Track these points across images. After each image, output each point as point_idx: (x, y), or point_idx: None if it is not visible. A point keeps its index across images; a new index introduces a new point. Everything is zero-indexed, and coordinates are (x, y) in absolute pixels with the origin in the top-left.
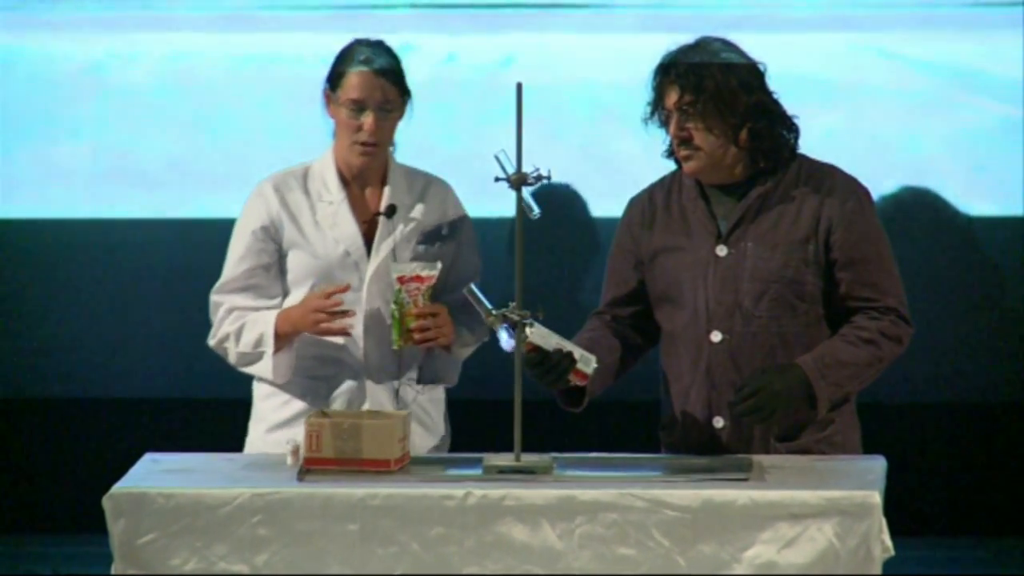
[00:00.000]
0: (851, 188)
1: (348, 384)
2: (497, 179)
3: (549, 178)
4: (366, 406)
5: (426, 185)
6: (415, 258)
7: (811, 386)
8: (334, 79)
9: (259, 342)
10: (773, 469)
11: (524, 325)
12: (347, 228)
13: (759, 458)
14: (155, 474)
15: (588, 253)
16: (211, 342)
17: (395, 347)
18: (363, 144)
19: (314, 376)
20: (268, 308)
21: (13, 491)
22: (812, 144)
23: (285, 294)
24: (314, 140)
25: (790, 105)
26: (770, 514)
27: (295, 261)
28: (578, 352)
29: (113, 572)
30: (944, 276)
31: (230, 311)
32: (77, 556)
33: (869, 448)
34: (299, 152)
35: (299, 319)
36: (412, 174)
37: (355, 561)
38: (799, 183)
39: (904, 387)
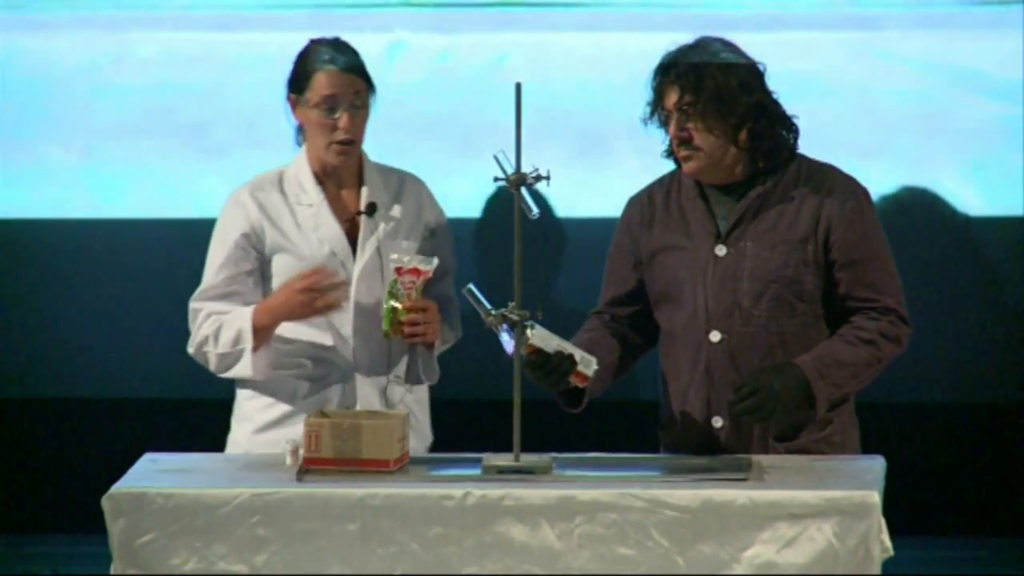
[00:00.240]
0: (850, 188)
1: (337, 383)
2: (496, 179)
3: (548, 178)
4: (358, 406)
5: (401, 182)
6: (399, 254)
7: (810, 386)
8: (300, 82)
9: (238, 339)
10: (772, 469)
11: (525, 326)
12: (330, 229)
13: (758, 458)
14: (154, 474)
15: (555, 253)
16: (191, 349)
17: (384, 336)
18: (340, 143)
19: (302, 376)
20: None
21: (13, 491)
22: (811, 144)
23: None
24: None
25: (788, 104)
26: (769, 514)
27: (281, 265)
28: (579, 354)
29: (112, 572)
30: (944, 276)
31: (208, 316)
32: (77, 556)
33: (869, 448)
34: (298, 151)
35: (282, 306)
36: (386, 172)
37: (355, 561)
38: (798, 183)
39: (904, 387)
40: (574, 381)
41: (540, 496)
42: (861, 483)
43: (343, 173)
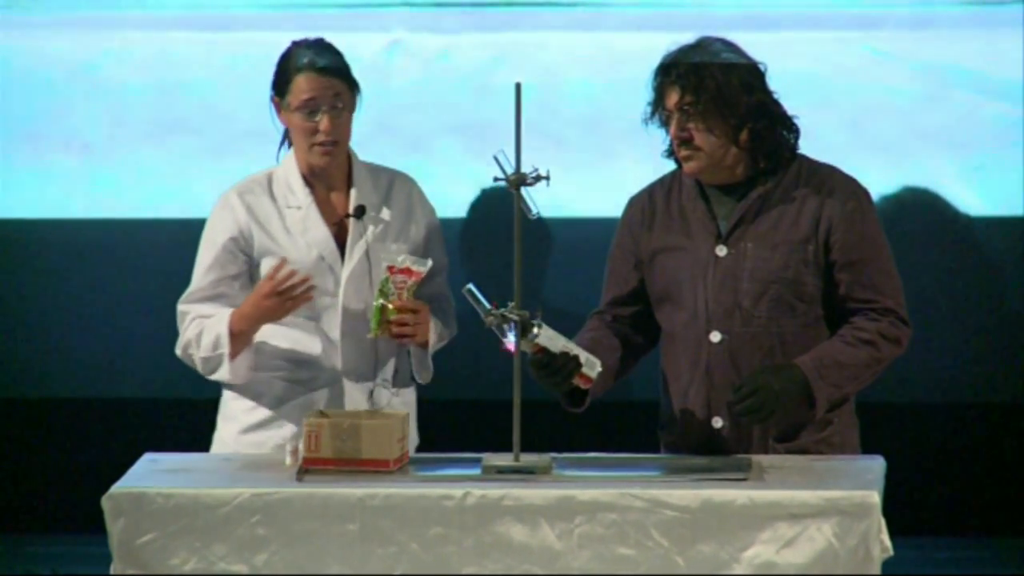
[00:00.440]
0: (851, 189)
1: (324, 387)
2: (496, 179)
3: (548, 179)
4: (345, 409)
5: (391, 182)
6: (392, 253)
7: (810, 386)
8: (281, 85)
9: (216, 343)
10: (772, 469)
11: (533, 324)
12: (318, 232)
13: (758, 458)
14: (154, 474)
15: (544, 253)
16: (178, 351)
17: (371, 335)
18: (322, 145)
19: (289, 379)
20: None
21: (12, 491)
22: (810, 144)
23: None
24: None
25: (787, 104)
26: (769, 514)
27: (269, 268)
28: (583, 356)
29: (112, 572)
30: (943, 276)
31: (194, 319)
32: (77, 556)
33: (869, 448)
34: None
35: (254, 311)
36: (375, 171)
37: (354, 561)
38: (799, 184)
39: (904, 387)
40: (577, 382)
41: (540, 496)
42: (861, 483)
43: (332, 175)
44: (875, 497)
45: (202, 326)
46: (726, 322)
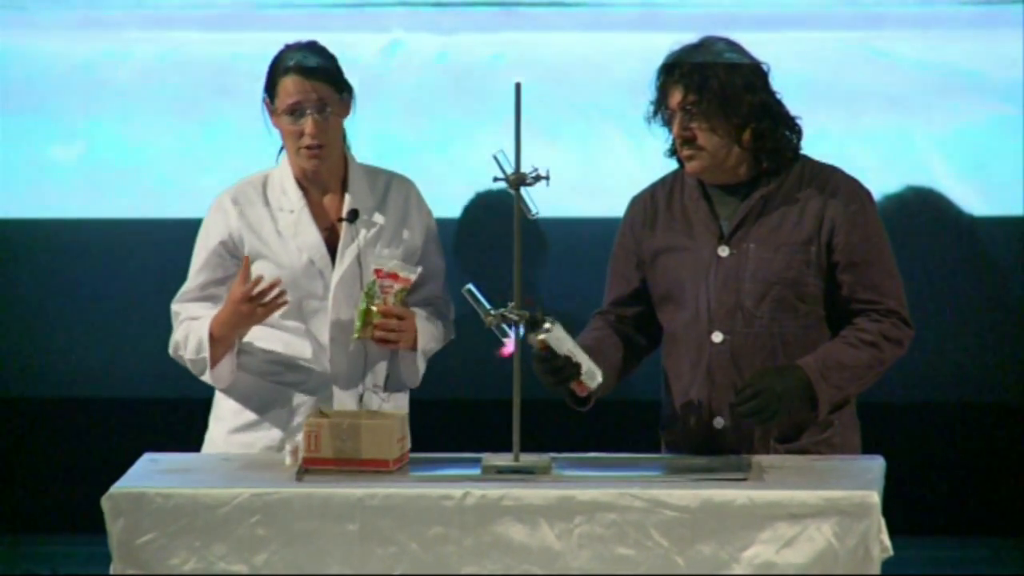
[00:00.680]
0: (854, 190)
1: (314, 391)
2: (496, 179)
3: (548, 179)
4: None
5: (388, 184)
6: (382, 257)
7: (812, 388)
8: (270, 88)
9: (199, 347)
10: (772, 469)
11: (545, 321)
12: (309, 236)
13: (758, 458)
14: (154, 474)
15: (537, 253)
16: (170, 351)
17: (355, 336)
18: (308, 148)
19: (279, 382)
20: None
21: (13, 491)
22: (809, 144)
23: None
24: None
25: (788, 105)
26: (769, 514)
27: (260, 271)
28: (586, 365)
29: (112, 572)
30: (943, 276)
31: (184, 320)
32: (76, 556)
33: (869, 448)
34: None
35: (230, 318)
36: (373, 174)
37: (354, 561)
38: (802, 184)
39: (904, 387)
40: (574, 388)
41: (539, 496)
42: (860, 483)
43: (326, 178)
44: (875, 497)
45: (188, 329)
46: (728, 322)
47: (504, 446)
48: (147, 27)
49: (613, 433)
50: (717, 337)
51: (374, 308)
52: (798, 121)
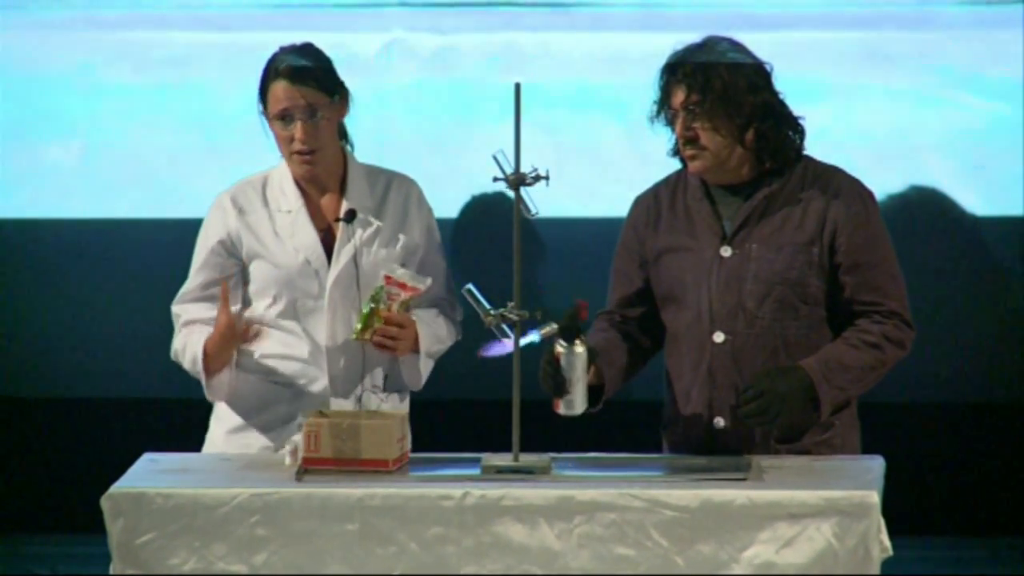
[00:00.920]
0: (857, 191)
1: (312, 390)
2: (496, 179)
3: (547, 179)
4: None
5: (388, 184)
6: (376, 261)
7: (814, 389)
8: (262, 93)
9: (195, 361)
10: (771, 469)
11: (577, 335)
12: (306, 237)
13: (758, 458)
14: (154, 474)
15: (533, 253)
16: (172, 356)
17: (353, 335)
18: (299, 153)
19: (277, 381)
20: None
21: (12, 491)
22: (808, 144)
23: (246, 303)
24: None
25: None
26: (768, 514)
27: (257, 271)
28: (574, 396)
29: (112, 572)
30: (943, 276)
31: (186, 323)
32: (76, 556)
33: (869, 448)
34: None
35: (218, 340)
36: (373, 174)
37: (354, 561)
38: (805, 185)
39: (904, 387)
40: (554, 403)
41: (539, 496)
42: (860, 483)
43: (324, 178)
44: (874, 497)
45: (187, 340)
46: (730, 323)
47: (504, 446)
48: (146, 26)
49: (613, 433)
50: (719, 337)
51: (378, 312)
52: (801, 121)
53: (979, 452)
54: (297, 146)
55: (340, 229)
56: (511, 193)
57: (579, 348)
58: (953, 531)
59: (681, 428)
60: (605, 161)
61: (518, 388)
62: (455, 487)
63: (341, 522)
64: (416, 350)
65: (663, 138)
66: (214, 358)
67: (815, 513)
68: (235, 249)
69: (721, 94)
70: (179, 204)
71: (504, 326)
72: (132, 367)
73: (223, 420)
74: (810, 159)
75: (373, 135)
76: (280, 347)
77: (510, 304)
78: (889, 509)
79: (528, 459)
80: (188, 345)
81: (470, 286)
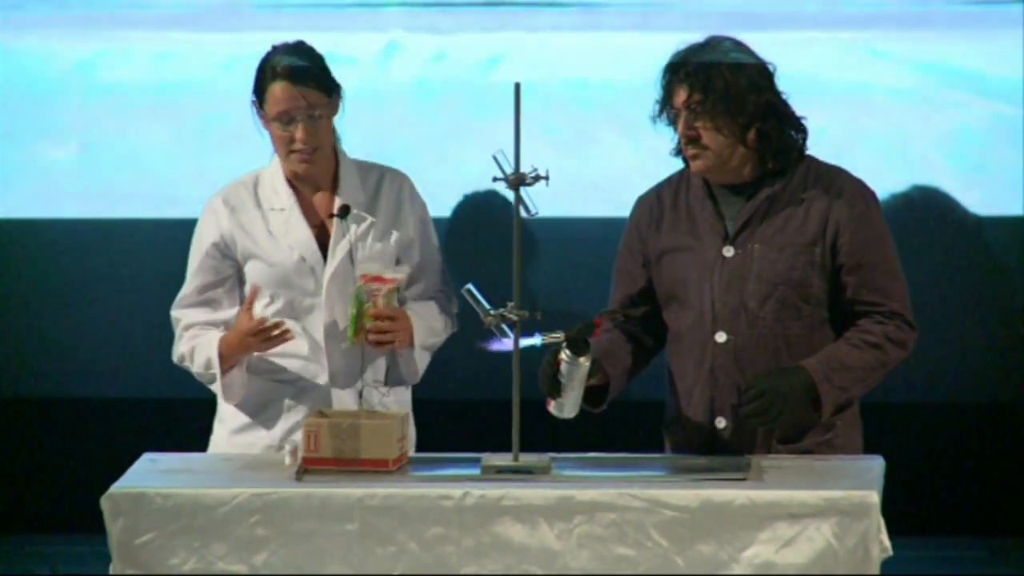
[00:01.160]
0: (859, 192)
1: (313, 388)
2: (495, 179)
3: (547, 179)
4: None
5: (379, 179)
6: (372, 257)
7: (816, 389)
8: (258, 93)
9: (208, 364)
10: (771, 469)
11: (583, 347)
12: (300, 234)
13: (758, 458)
14: (154, 474)
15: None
16: (174, 358)
17: (347, 343)
18: (300, 152)
19: (277, 380)
20: (224, 321)
21: (12, 491)
22: (809, 144)
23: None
24: None
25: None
26: (768, 514)
27: (252, 271)
28: (565, 400)
29: (111, 572)
30: (943, 276)
31: (187, 327)
32: (76, 556)
33: (869, 448)
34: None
35: (237, 343)
36: (364, 169)
37: (353, 561)
38: (807, 185)
39: (904, 387)
40: (547, 402)
41: (539, 496)
42: (860, 483)
43: (317, 176)
44: (874, 497)
45: (195, 343)
46: (732, 323)
47: (504, 446)
48: (145, 26)
49: (613, 433)
50: (721, 337)
51: (364, 312)
52: (804, 121)
53: (979, 452)
54: (299, 146)
55: (334, 225)
56: (504, 192)
57: (583, 361)
58: (953, 531)
59: (683, 428)
60: (605, 161)
61: (518, 388)
62: (455, 487)
63: (341, 522)
64: (412, 343)
65: (663, 138)
66: (228, 359)
67: (815, 513)
68: (229, 251)
69: (723, 94)
70: (177, 204)
71: (504, 326)
72: (132, 367)
73: (226, 421)
74: (813, 159)
75: (372, 135)
76: (280, 347)
77: (510, 304)
78: (889, 509)
79: (528, 459)
80: (197, 348)
81: (470, 286)
